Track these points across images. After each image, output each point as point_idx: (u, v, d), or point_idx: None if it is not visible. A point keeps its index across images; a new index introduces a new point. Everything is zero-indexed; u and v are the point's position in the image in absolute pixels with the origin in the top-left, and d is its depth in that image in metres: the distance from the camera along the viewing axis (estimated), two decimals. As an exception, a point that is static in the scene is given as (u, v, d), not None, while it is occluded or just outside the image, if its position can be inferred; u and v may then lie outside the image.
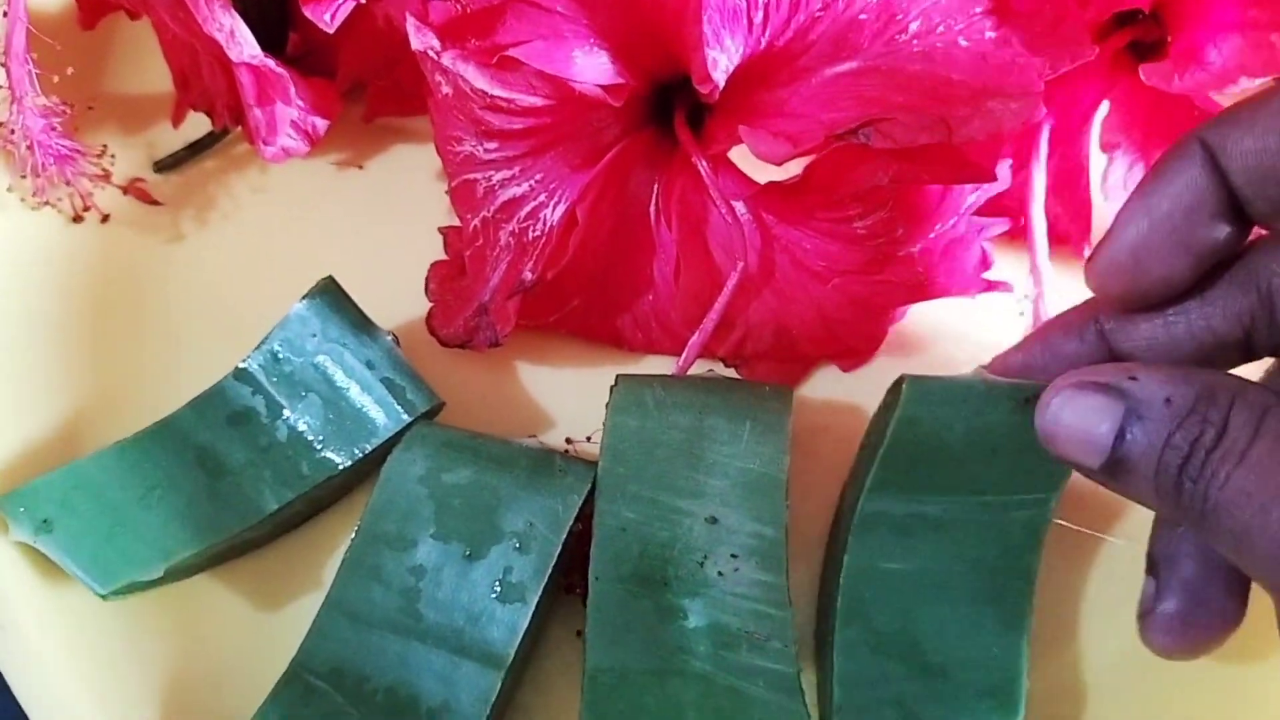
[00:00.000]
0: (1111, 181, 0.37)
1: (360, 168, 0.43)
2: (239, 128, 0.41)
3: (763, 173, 0.35)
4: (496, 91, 0.33)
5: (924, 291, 0.37)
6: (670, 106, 0.37)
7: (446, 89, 0.35)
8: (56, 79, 0.39)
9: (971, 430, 0.31)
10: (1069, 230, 0.39)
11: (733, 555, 0.33)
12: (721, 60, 0.32)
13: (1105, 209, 0.37)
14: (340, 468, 0.36)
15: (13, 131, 0.39)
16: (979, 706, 0.32)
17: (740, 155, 0.36)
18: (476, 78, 0.33)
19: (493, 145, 0.35)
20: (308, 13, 0.33)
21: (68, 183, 0.40)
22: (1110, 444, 0.25)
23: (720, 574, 0.33)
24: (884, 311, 0.37)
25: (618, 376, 0.35)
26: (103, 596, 0.34)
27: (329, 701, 0.32)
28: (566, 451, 0.36)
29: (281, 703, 0.32)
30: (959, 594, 0.32)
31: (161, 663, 0.35)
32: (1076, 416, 0.25)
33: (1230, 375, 0.25)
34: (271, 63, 0.35)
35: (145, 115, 0.43)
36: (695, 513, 0.33)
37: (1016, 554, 0.32)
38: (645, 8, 0.32)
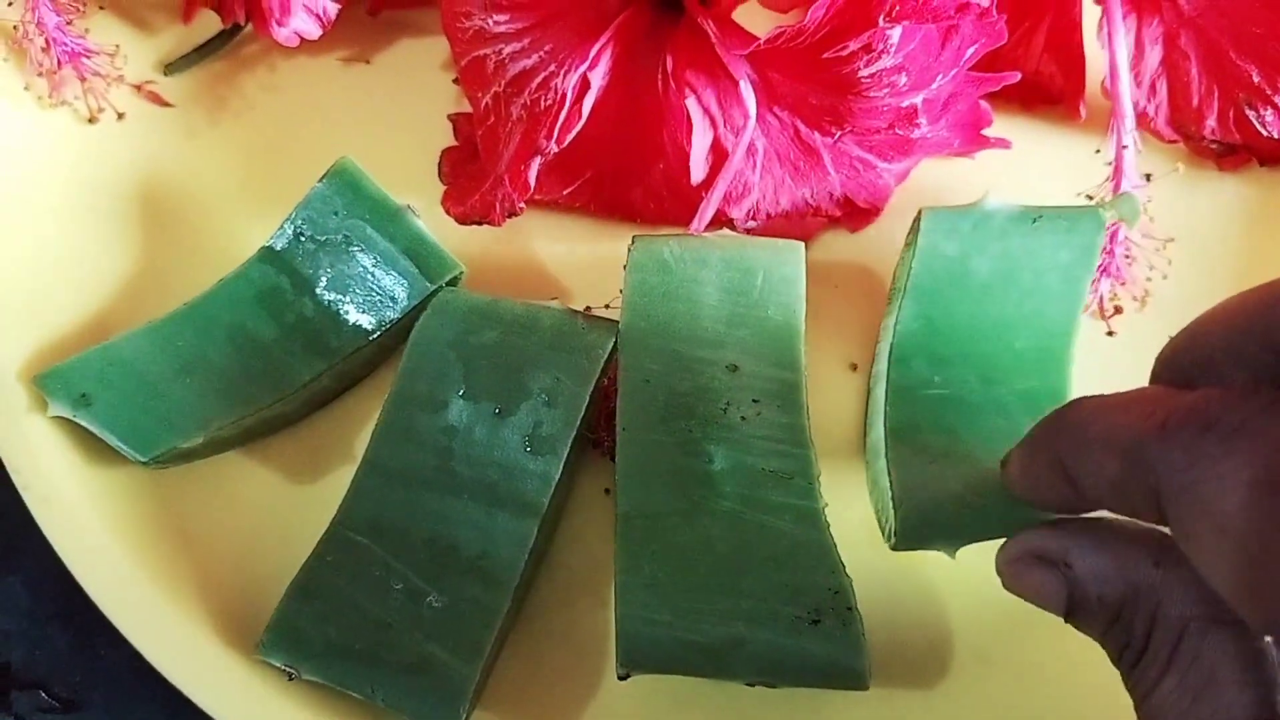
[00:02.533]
0: (1103, 29, 0.38)
1: (368, 62, 0.44)
2: (247, 26, 0.42)
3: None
4: (506, -44, 0.34)
5: (926, 147, 0.38)
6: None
7: (455, -39, 0.35)
8: (69, -23, 0.40)
9: (992, 256, 0.34)
10: (1064, 89, 0.40)
11: (754, 400, 0.34)
12: (725, -84, 0.33)
13: (1099, 59, 0.38)
14: (369, 337, 0.37)
15: (27, 30, 0.39)
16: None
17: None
18: (486, -58, 0.33)
19: (502, 18, 0.36)
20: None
21: (83, 80, 0.41)
22: (1063, 610, 0.27)
23: (743, 418, 0.34)
24: (889, 166, 0.38)
25: (634, 237, 0.36)
26: (143, 463, 0.35)
27: (371, 554, 0.33)
28: (588, 310, 0.37)
29: (324, 558, 0.33)
30: (998, 412, 0.34)
31: (202, 532, 0.36)
32: (1031, 586, 0.28)
33: (1161, 571, 0.25)
34: (284, -57, 0.36)
35: (156, 16, 0.44)
36: (716, 361, 0.35)
37: (1054, 366, 0.34)
38: None
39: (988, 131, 0.39)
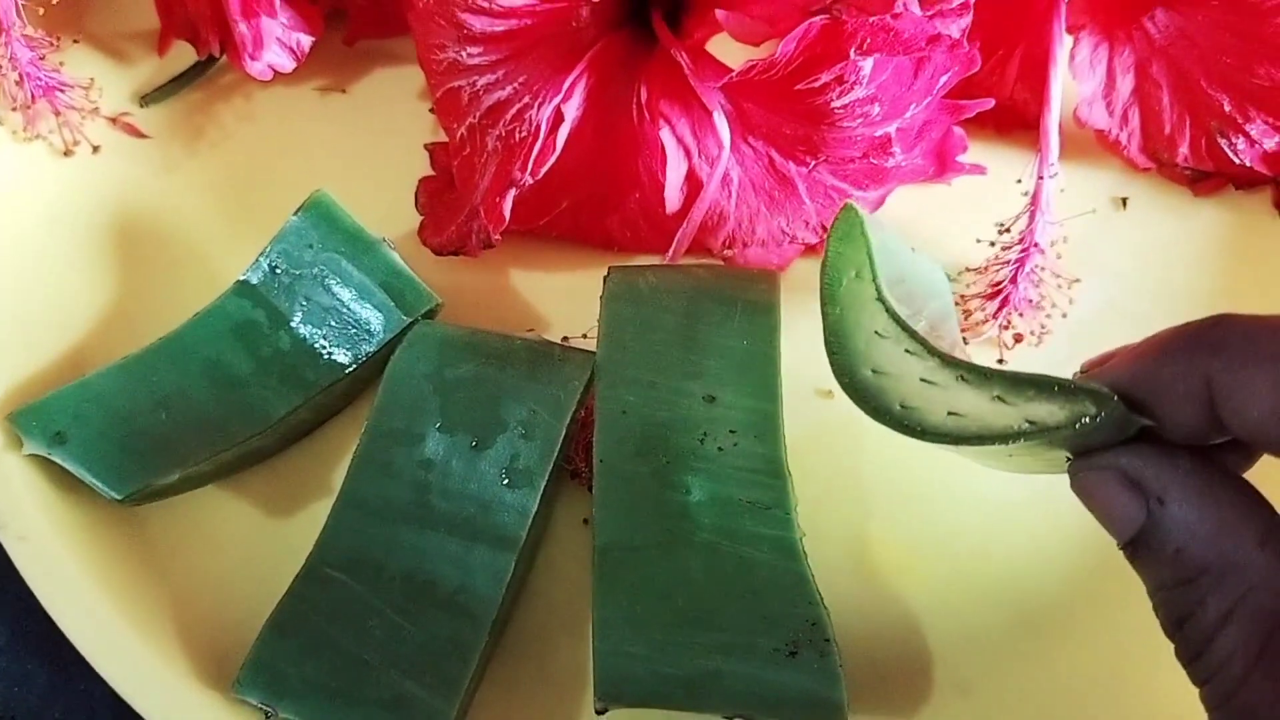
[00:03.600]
0: (1079, 60, 0.38)
1: (344, 91, 0.44)
2: (222, 57, 0.42)
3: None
4: (479, -9, 0.34)
5: (901, 175, 0.38)
6: (645, 4, 0.38)
7: (429, -5, 0.35)
8: (42, 11, 0.39)
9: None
10: (1038, 114, 0.40)
11: (731, 430, 0.34)
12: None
13: (1071, 88, 0.38)
14: (345, 370, 0.37)
15: (0, 65, 0.39)
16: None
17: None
18: (459, -23, 0.34)
19: (476, 49, 0.36)
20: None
21: (57, 114, 0.40)
22: (1127, 537, 0.25)
23: (720, 449, 0.34)
24: (864, 194, 0.38)
25: (610, 268, 0.36)
26: (119, 500, 0.34)
27: (348, 590, 0.33)
28: (566, 340, 0.37)
29: (301, 594, 0.33)
30: None
31: (178, 568, 0.36)
32: (1105, 501, 0.25)
33: (1265, 553, 0.23)
34: (255, -23, 0.36)
35: (131, 48, 0.43)
36: (693, 392, 0.35)
37: None
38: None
39: (962, 158, 0.39)
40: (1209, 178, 0.39)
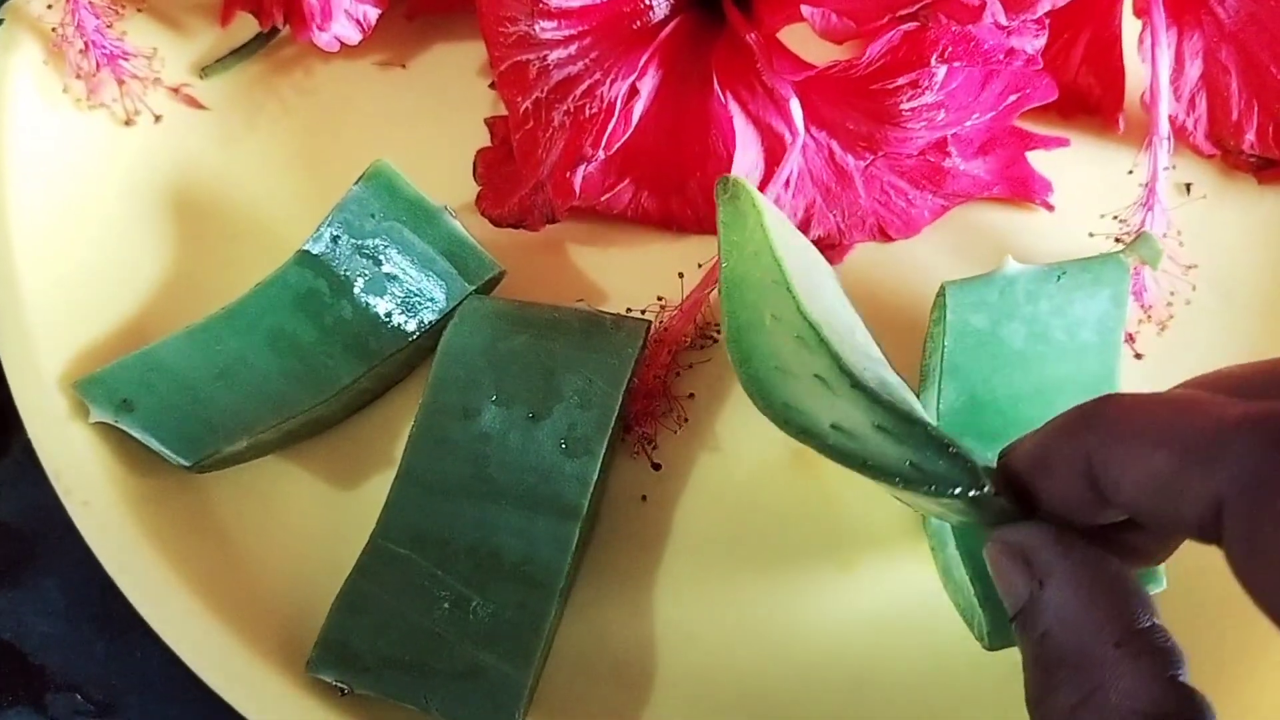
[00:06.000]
0: (1145, 45, 0.38)
1: (403, 66, 0.44)
2: (284, 30, 0.42)
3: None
4: (561, -36, 0.34)
5: (960, 184, 0.38)
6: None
7: (504, -34, 0.35)
8: (107, -20, 0.40)
9: (1023, 321, 0.34)
10: (1101, 100, 0.40)
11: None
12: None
13: (1139, 72, 0.38)
14: (410, 339, 0.37)
15: (66, 32, 0.39)
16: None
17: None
18: (541, -50, 0.34)
19: (550, 24, 0.36)
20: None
21: (120, 83, 0.40)
22: (1013, 612, 0.26)
23: None
24: (920, 194, 0.38)
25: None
26: (186, 468, 0.34)
27: (414, 565, 0.33)
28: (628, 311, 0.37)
29: (368, 571, 0.33)
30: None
31: (244, 538, 0.36)
32: (1000, 575, 0.26)
33: (1119, 653, 0.23)
34: (328, -51, 0.36)
35: (192, 19, 0.43)
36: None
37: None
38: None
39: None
40: (1274, 165, 0.39)
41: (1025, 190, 0.39)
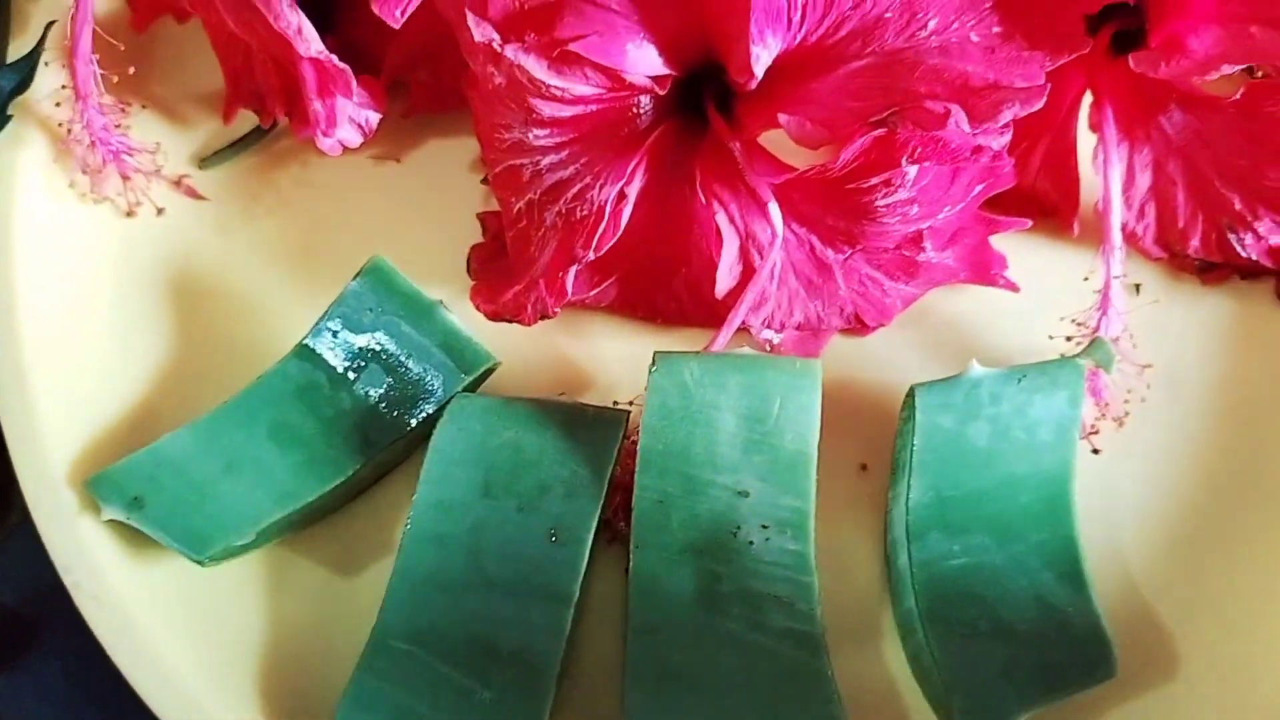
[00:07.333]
0: (1099, 160, 0.41)
1: (398, 161, 0.45)
2: (284, 122, 0.44)
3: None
4: (554, 81, 0.36)
5: (933, 272, 0.40)
6: (698, 92, 0.40)
7: (499, 79, 0.37)
8: (116, 79, 0.41)
9: (987, 420, 0.37)
10: (1058, 205, 0.43)
11: (763, 525, 0.36)
12: (763, 56, 0.35)
13: (1093, 179, 0.41)
14: (407, 429, 0.38)
15: (72, 130, 0.41)
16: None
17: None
18: (537, 69, 0.35)
19: (542, 132, 0.38)
20: (376, 10, 0.36)
21: (125, 178, 0.42)
22: None
23: (751, 543, 0.36)
24: (896, 285, 0.41)
25: (655, 354, 0.37)
26: (199, 563, 0.36)
27: (416, 659, 0.35)
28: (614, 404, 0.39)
29: (374, 669, 0.35)
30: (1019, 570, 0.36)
31: (249, 628, 0.37)
32: None
33: None
34: (335, 58, 0.38)
35: (194, 112, 0.45)
36: (730, 486, 0.36)
37: (1061, 514, 0.37)
38: (693, 6, 0.36)
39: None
40: (1216, 268, 0.42)
41: (986, 273, 0.42)
